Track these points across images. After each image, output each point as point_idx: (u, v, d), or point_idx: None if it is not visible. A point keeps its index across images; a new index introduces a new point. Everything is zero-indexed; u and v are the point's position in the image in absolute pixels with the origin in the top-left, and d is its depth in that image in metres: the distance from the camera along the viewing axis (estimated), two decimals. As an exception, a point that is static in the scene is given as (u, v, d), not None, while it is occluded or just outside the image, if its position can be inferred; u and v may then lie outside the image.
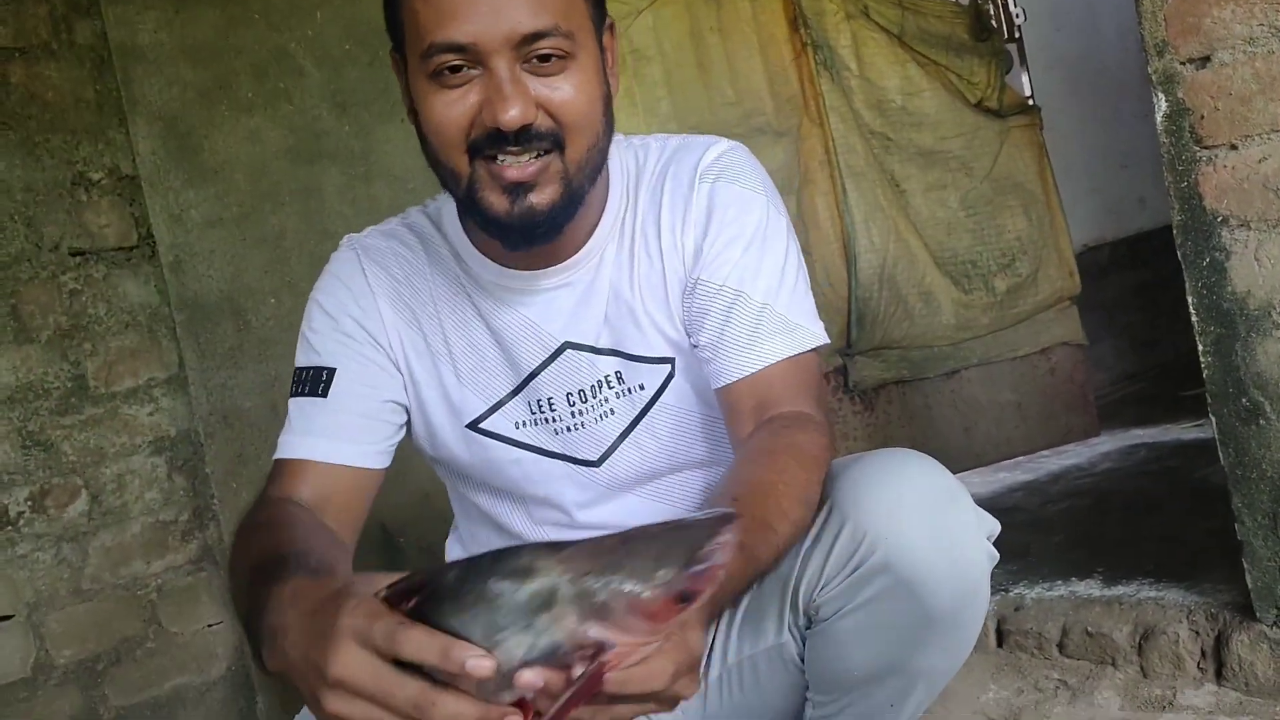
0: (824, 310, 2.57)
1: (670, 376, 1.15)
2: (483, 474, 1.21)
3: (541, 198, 1.00)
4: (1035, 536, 2.19)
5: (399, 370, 1.17)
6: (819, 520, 1.09)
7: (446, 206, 1.16)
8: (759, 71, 2.56)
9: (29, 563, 1.67)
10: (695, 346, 1.13)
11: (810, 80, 2.60)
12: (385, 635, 0.60)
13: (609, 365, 1.14)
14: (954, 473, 1.13)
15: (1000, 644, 1.85)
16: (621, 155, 1.16)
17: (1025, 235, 2.81)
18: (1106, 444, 2.84)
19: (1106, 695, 1.63)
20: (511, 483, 1.20)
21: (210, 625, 1.81)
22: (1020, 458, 2.82)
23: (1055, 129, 3.14)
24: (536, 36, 0.96)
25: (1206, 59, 1.40)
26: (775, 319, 1.08)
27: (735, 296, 1.08)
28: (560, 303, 1.12)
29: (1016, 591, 1.90)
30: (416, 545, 1.86)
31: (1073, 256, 2.89)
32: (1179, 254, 1.48)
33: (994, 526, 1.12)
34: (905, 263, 2.67)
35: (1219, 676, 1.58)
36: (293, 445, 1.12)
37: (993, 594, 1.90)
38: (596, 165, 1.05)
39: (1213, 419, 1.49)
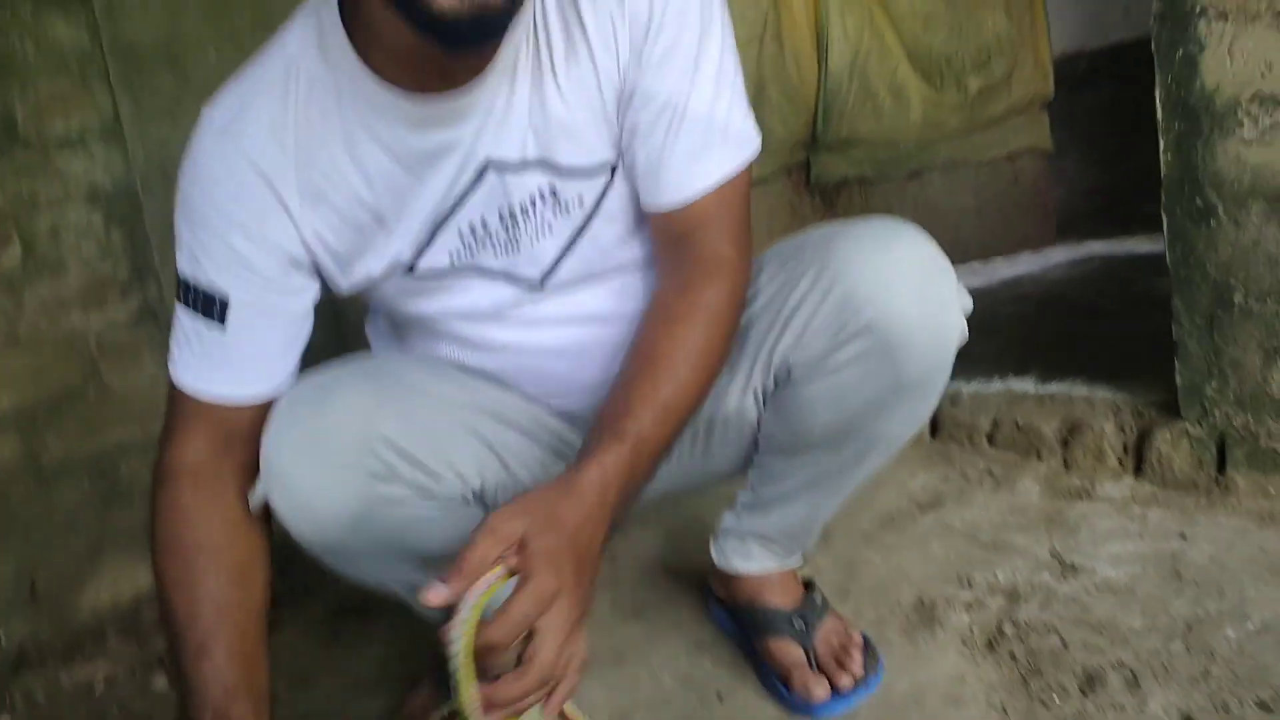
0: (791, 101, 2.53)
1: (609, 183, 1.07)
2: (427, 296, 1.15)
3: None
4: (979, 337, 2.18)
5: (313, 259, 1.06)
6: (808, 280, 1.10)
7: (325, 35, 0.99)
8: None
9: (-38, 308, 1.64)
10: (629, 161, 1.06)
11: None
12: None
13: (539, 180, 1.04)
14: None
15: (934, 435, 1.90)
16: None
17: (1004, 33, 2.72)
18: (1061, 254, 2.85)
19: (1028, 484, 1.69)
20: (454, 307, 1.15)
21: (151, 381, 1.80)
22: (975, 263, 2.82)
23: (1047, -76, 3.00)
24: None
25: None
26: (717, 130, 1.03)
27: (680, 112, 1.02)
28: (477, 121, 1.00)
29: (954, 386, 1.94)
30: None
31: (1050, 59, 2.81)
32: (1153, 46, 1.44)
33: (969, 304, 1.15)
34: (878, 55, 2.58)
35: (1138, 471, 1.64)
36: (192, 375, 1.05)
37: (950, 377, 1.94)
38: None
39: (1165, 218, 1.49)
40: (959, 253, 2.81)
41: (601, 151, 1.05)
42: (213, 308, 1.03)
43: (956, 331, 1.11)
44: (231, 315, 1.03)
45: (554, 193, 1.06)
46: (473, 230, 1.06)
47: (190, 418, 1.05)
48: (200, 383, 1.05)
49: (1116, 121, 3.57)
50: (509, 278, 1.11)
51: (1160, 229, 1.50)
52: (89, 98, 1.75)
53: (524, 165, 1.03)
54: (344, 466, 1.03)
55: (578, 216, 1.08)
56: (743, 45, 2.44)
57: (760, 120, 2.63)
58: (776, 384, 1.17)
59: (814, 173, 2.62)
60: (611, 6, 0.99)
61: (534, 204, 1.06)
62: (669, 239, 1.07)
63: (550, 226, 1.07)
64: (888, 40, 2.60)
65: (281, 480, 1.03)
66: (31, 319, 1.70)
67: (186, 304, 1.04)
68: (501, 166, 1.03)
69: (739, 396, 1.19)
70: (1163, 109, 1.45)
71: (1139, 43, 1.49)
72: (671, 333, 1.02)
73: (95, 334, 1.76)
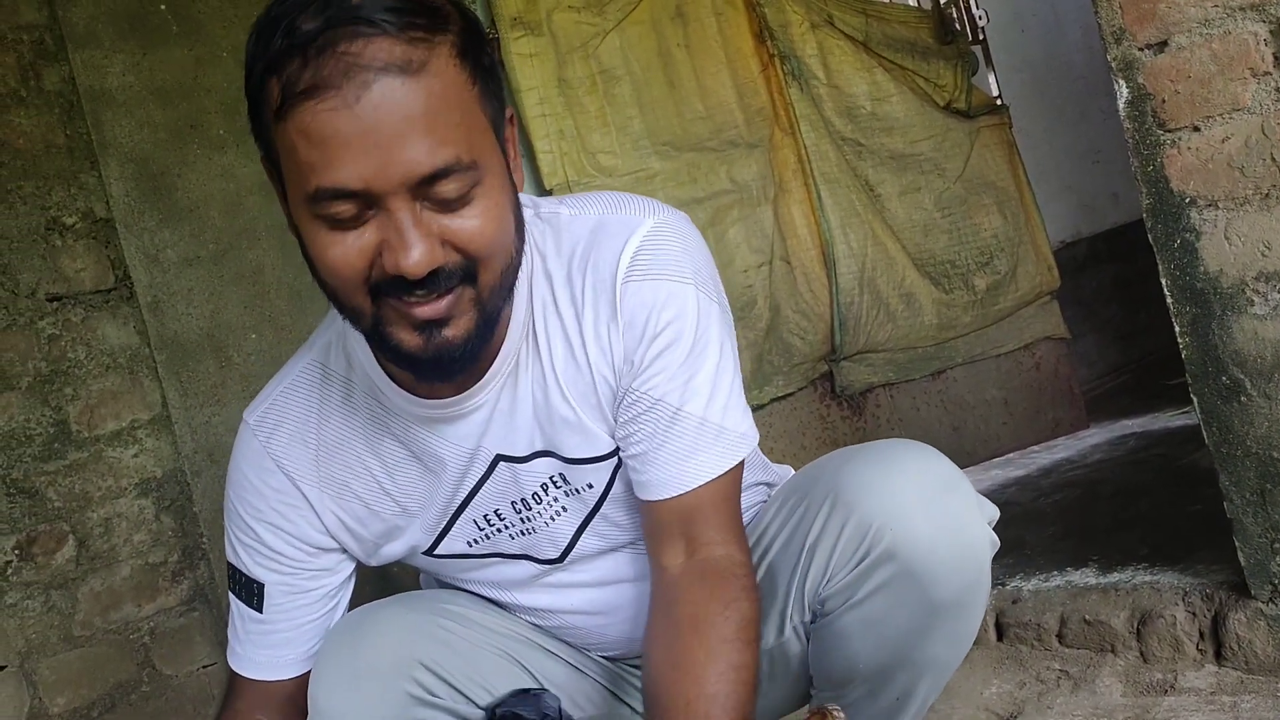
0: (806, 317, 2.61)
1: (619, 466, 1.10)
2: (452, 572, 1.21)
3: (456, 330, 0.92)
4: (1030, 529, 2.19)
5: (339, 547, 1.13)
6: (823, 515, 1.10)
7: (348, 340, 1.07)
8: (728, 85, 2.58)
9: (19, 612, 1.65)
10: (622, 453, 1.08)
11: (779, 91, 2.62)
12: None
13: (548, 469, 1.09)
14: (946, 471, 1.14)
15: (1000, 638, 1.85)
16: (528, 234, 1.03)
17: (1001, 233, 2.83)
18: (1096, 436, 2.85)
19: (1108, 682, 1.63)
20: (480, 579, 1.20)
21: (205, 666, 1.79)
22: (1011, 454, 2.82)
23: (1025, 129, 3.17)
24: (436, 176, 0.86)
25: (1164, 43, 1.42)
26: (710, 432, 1.04)
27: (673, 414, 1.03)
28: (484, 419, 1.06)
29: (1014, 584, 1.90)
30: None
31: (1050, 251, 2.90)
32: (1150, 237, 1.49)
33: (994, 512, 1.14)
34: (884, 266, 2.68)
35: (1219, 657, 1.58)
36: (241, 660, 1.14)
37: (990, 588, 1.91)
38: (511, 282, 0.97)
39: (1195, 399, 1.50)
40: (993, 446, 2.85)
41: (606, 443, 1.08)
42: (252, 595, 1.11)
43: (983, 544, 1.09)
44: (268, 602, 1.11)
45: (564, 478, 1.10)
46: (487, 519, 1.12)
47: (244, 691, 1.14)
48: (245, 667, 1.13)
49: (1125, 300, 3.65)
50: (529, 558, 1.16)
51: (1189, 401, 1.51)
52: (138, 391, 1.83)
53: (532, 456, 1.08)
54: (383, 690, 1.07)
55: (590, 498, 1.11)
56: (754, 269, 2.55)
57: (779, 338, 2.70)
58: (814, 617, 1.15)
59: (838, 383, 2.66)
60: (606, 314, 1.02)
61: (545, 489, 1.10)
62: (668, 533, 1.06)
63: (564, 508, 1.12)
64: (891, 250, 2.70)
65: (325, 713, 1.07)
66: (86, 616, 1.71)
67: (233, 590, 1.13)
68: (511, 459, 1.08)
69: (778, 632, 1.18)
70: (1171, 294, 1.49)
71: (1134, 225, 1.54)
72: (714, 654, 0.99)
73: (148, 623, 1.77)
